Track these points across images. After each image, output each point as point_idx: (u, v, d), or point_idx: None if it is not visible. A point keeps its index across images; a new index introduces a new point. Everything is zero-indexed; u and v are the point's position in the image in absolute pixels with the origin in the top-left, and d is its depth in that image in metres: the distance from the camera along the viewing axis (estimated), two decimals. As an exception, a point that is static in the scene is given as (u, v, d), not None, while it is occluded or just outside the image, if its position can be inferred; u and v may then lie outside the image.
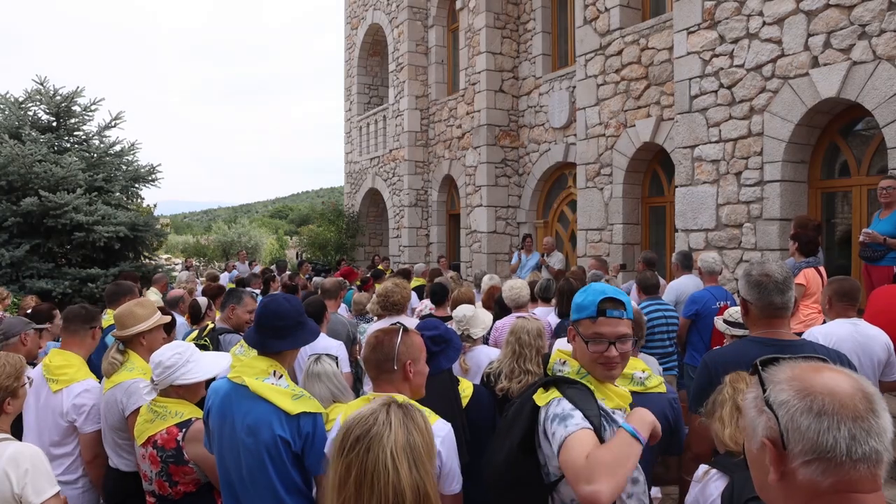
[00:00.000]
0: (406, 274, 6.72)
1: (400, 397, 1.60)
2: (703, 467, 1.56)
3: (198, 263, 16.96)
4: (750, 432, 0.84)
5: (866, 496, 0.76)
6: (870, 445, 0.75)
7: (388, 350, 1.67)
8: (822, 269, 4.15)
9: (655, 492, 2.53)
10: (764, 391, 0.81)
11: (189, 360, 2.03)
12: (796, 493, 0.78)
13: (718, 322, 3.22)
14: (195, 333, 3.14)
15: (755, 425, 0.83)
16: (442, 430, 1.65)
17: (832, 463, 0.75)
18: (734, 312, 3.16)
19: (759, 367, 0.85)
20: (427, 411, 1.68)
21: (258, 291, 6.06)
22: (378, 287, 4.03)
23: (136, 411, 2.23)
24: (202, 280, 8.37)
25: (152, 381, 2.03)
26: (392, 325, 1.78)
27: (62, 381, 2.35)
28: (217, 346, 2.91)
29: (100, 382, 2.49)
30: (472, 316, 2.97)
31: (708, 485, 1.50)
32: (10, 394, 1.79)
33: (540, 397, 1.45)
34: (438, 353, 2.00)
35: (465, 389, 2.08)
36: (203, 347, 2.81)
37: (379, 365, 1.67)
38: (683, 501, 1.67)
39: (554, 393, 1.43)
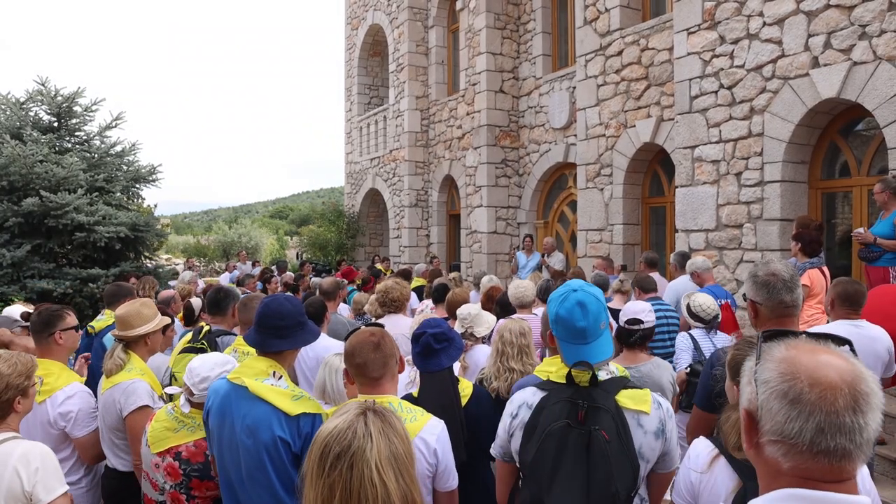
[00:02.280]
0: (406, 275, 6.72)
1: (386, 399, 1.59)
2: (707, 453, 1.42)
3: (198, 264, 16.96)
4: (741, 397, 0.87)
5: (827, 485, 0.76)
6: (836, 441, 0.75)
7: (391, 346, 1.69)
8: (825, 269, 4.15)
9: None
10: (757, 364, 0.83)
11: (202, 370, 2.01)
12: (763, 465, 0.82)
13: (684, 312, 3.42)
14: (190, 335, 3.13)
15: (743, 393, 0.86)
16: (436, 428, 1.64)
17: (794, 449, 0.77)
18: (703, 304, 3.35)
19: (762, 339, 0.86)
20: (419, 410, 1.69)
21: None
22: (378, 286, 4.04)
23: (135, 411, 2.23)
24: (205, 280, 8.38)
25: (188, 390, 1.97)
26: (367, 325, 1.79)
27: (44, 390, 2.29)
28: (215, 348, 2.91)
29: (86, 385, 2.47)
30: (477, 315, 3.00)
31: (716, 478, 1.40)
32: (20, 392, 1.78)
33: (637, 401, 1.50)
34: (440, 351, 2.00)
35: (465, 389, 2.09)
36: (201, 350, 2.80)
37: (386, 362, 1.67)
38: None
39: (648, 392, 1.53)
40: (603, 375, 1.51)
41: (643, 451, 1.47)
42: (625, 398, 1.49)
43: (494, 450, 1.69)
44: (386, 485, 1.02)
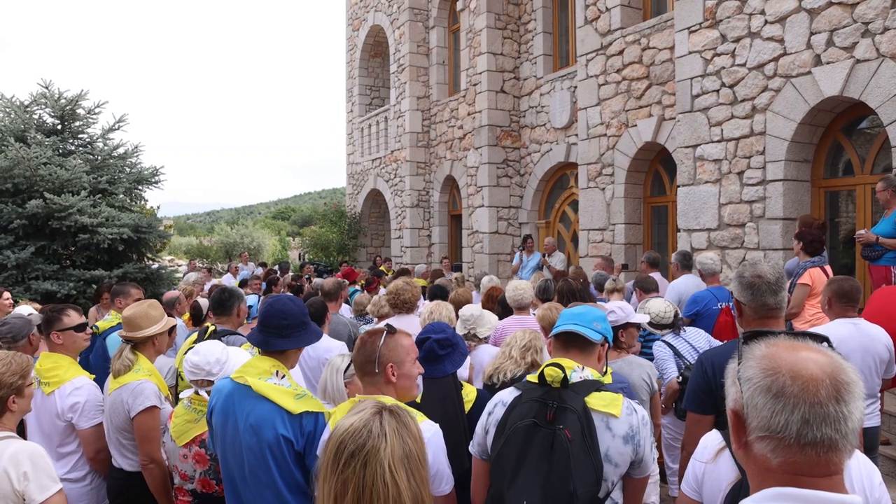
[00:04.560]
0: (406, 274, 6.73)
1: (389, 400, 1.61)
2: (714, 445, 1.41)
3: (201, 265, 17.00)
4: (727, 399, 0.88)
5: (816, 479, 0.77)
6: (822, 432, 0.76)
7: (370, 351, 1.66)
8: (827, 268, 4.14)
9: (654, 499, 2.55)
10: (739, 364, 0.85)
11: (231, 354, 2.16)
12: (752, 464, 0.83)
13: (643, 320, 3.34)
14: (195, 336, 3.15)
15: (728, 395, 0.87)
16: (428, 432, 1.62)
17: (782, 443, 0.77)
18: (659, 311, 3.30)
19: (742, 340, 0.88)
20: (414, 412, 1.69)
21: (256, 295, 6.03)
22: (389, 286, 4.03)
23: (143, 412, 2.25)
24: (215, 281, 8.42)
25: (202, 381, 2.07)
26: (387, 324, 1.77)
27: (53, 382, 2.37)
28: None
29: (97, 380, 2.51)
30: (479, 316, 3.00)
31: (719, 469, 1.38)
32: (14, 391, 1.79)
33: (607, 404, 1.51)
34: (444, 357, 1.99)
35: (469, 394, 2.07)
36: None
37: (362, 366, 1.67)
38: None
39: (620, 397, 1.54)
40: (575, 378, 1.53)
41: (610, 455, 1.48)
42: (594, 399, 1.51)
43: (472, 448, 1.71)
44: (398, 485, 1.04)
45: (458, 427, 1.84)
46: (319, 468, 1.11)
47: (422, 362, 1.99)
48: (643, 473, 1.57)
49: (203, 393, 2.05)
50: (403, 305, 3.47)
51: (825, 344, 0.86)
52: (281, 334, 1.84)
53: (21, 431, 2.45)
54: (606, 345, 1.68)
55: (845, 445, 0.77)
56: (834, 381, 0.77)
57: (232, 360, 2.12)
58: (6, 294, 4.23)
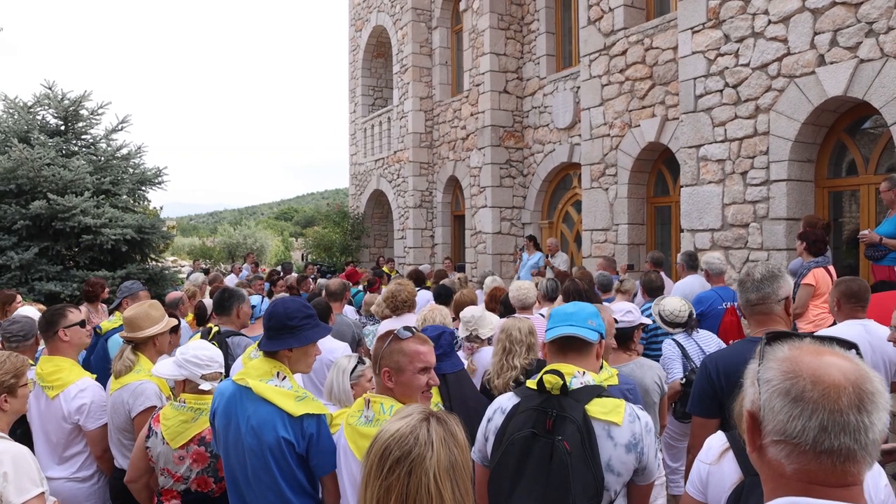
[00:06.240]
0: (419, 276, 6.75)
1: (379, 399, 1.58)
2: (717, 447, 1.41)
3: (204, 266, 17.03)
4: (745, 400, 0.86)
5: (833, 490, 0.74)
6: (840, 441, 0.73)
7: (375, 353, 1.67)
8: (831, 268, 4.12)
9: (661, 501, 2.53)
10: (760, 365, 0.82)
11: (219, 353, 2.16)
12: (766, 468, 0.80)
13: (655, 314, 3.32)
14: (198, 336, 3.15)
15: (746, 395, 0.84)
16: None
17: (797, 449, 0.75)
18: (674, 310, 3.27)
19: (766, 341, 0.85)
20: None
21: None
22: (384, 291, 4.06)
23: (144, 412, 2.25)
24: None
25: (214, 375, 2.06)
26: (404, 327, 1.75)
27: (56, 386, 2.36)
28: (225, 349, 2.92)
29: (97, 381, 2.51)
30: (481, 316, 3.00)
31: (723, 470, 1.38)
32: (6, 390, 1.78)
33: (609, 411, 1.46)
34: (455, 351, 1.98)
35: None
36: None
37: (372, 365, 1.69)
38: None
39: (623, 404, 1.50)
40: (575, 384, 1.49)
41: (612, 464, 1.44)
42: (595, 407, 1.46)
43: (474, 454, 1.68)
44: (442, 495, 1.02)
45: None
46: (362, 471, 1.10)
47: (442, 357, 1.94)
48: (648, 480, 1.54)
49: (208, 386, 2.02)
50: (403, 306, 3.50)
51: (853, 351, 0.82)
52: (286, 332, 1.83)
53: (27, 439, 2.45)
54: (603, 341, 1.64)
55: (864, 457, 0.74)
56: (857, 389, 0.74)
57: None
58: (18, 297, 4.26)
